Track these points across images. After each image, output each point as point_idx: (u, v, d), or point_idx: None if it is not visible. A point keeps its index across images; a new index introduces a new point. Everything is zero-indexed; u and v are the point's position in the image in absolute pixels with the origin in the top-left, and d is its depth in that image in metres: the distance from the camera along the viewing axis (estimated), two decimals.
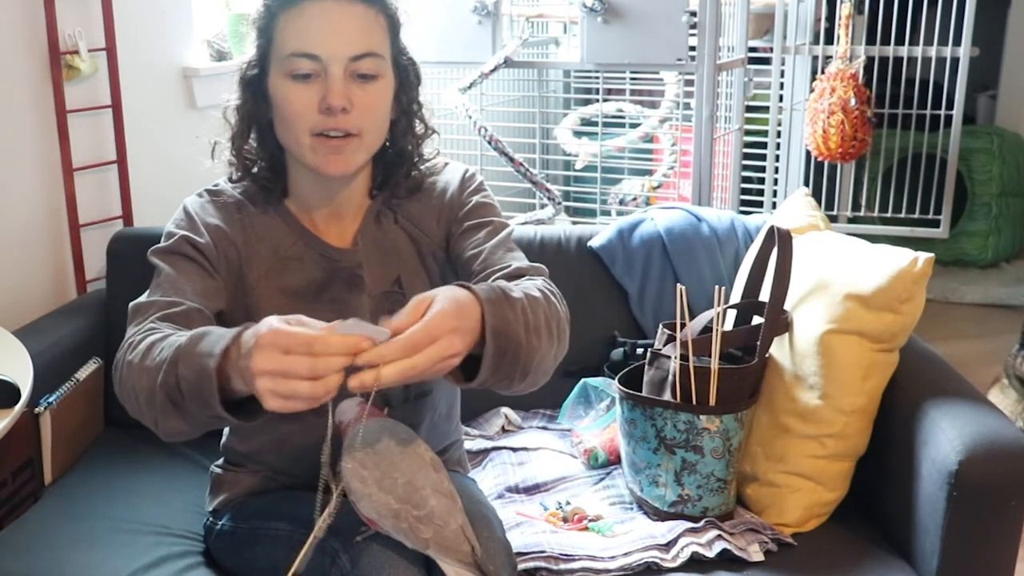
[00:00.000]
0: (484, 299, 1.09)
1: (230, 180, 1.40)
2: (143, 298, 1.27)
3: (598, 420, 1.85)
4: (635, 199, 2.78)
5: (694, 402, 1.53)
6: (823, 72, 3.15)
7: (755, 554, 1.47)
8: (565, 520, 1.59)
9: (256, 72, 1.32)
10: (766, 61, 3.27)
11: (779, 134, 3.31)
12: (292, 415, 1.02)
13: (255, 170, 1.38)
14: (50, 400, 1.65)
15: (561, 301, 1.24)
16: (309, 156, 1.29)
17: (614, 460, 1.75)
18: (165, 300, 1.25)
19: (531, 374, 1.16)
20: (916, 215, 3.44)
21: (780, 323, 1.60)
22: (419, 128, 1.41)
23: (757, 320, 1.64)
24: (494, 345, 1.08)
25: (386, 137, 1.37)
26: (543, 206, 2.65)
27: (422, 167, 1.43)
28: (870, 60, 3.19)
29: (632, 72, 2.94)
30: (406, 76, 1.36)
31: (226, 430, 1.51)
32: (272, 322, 1.00)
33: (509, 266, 1.30)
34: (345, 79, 1.26)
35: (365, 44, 1.27)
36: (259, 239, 1.37)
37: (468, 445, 1.81)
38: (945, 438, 1.41)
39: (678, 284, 1.67)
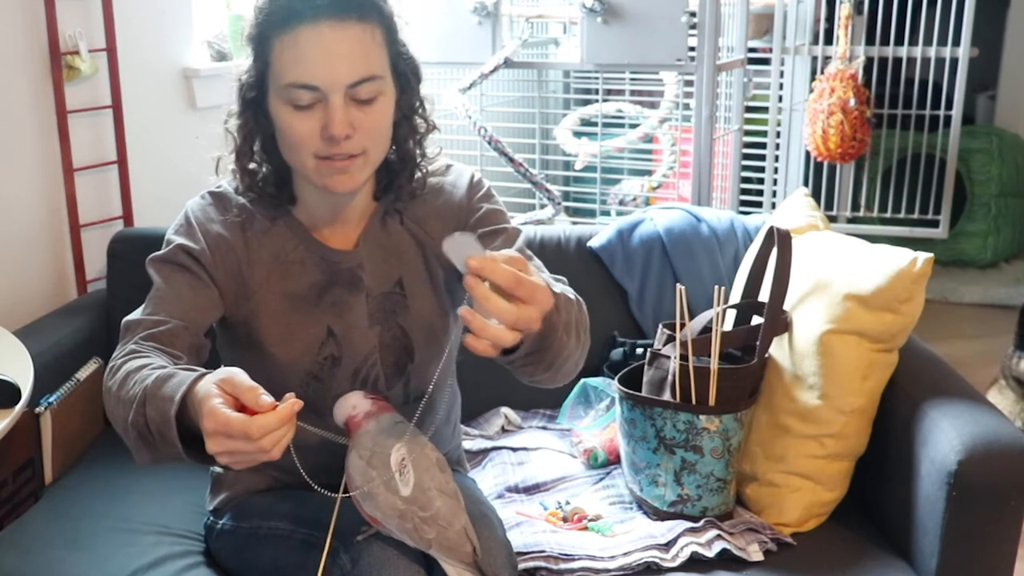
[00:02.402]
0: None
1: (235, 191, 1.40)
2: (134, 315, 1.29)
3: (598, 420, 1.85)
4: (635, 199, 2.78)
5: (694, 402, 1.53)
6: (822, 72, 3.15)
7: (754, 554, 1.47)
8: (565, 520, 1.59)
9: (255, 94, 1.30)
10: (766, 61, 3.28)
11: (779, 134, 3.32)
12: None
13: (260, 181, 1.37)
14: (50, 400, 1.65)
15: (584, 309, 1.26)
16: (315, 177, 1.28)
17: (614, 460, 1.75)
18: (152, 319, 1.27)
19: (553, 370, 1.20)
20: (915, 215, 3.44)
21: (780, 323, 1.60)
22: (420, 126, 1.40)
23: (757, 320, 1.64)
24: (539, 329, 1.10)
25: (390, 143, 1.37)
26: (543, 206, 2.65)
27: (426, 168, 1.42)
28: (869, 60, 3.20)
29: (632, 72, 2.94)
30: (406, 81, 1.34)
31: None
32: (211, 399, 1.01)
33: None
34: (345, 105, 1.23)
35: (364, 69, 1.24)
36: (261, 244, 1.37)
37: (468, 445, 1.81)
38: (944, 438, 1.41)
39: (678, 284, 1.67)
